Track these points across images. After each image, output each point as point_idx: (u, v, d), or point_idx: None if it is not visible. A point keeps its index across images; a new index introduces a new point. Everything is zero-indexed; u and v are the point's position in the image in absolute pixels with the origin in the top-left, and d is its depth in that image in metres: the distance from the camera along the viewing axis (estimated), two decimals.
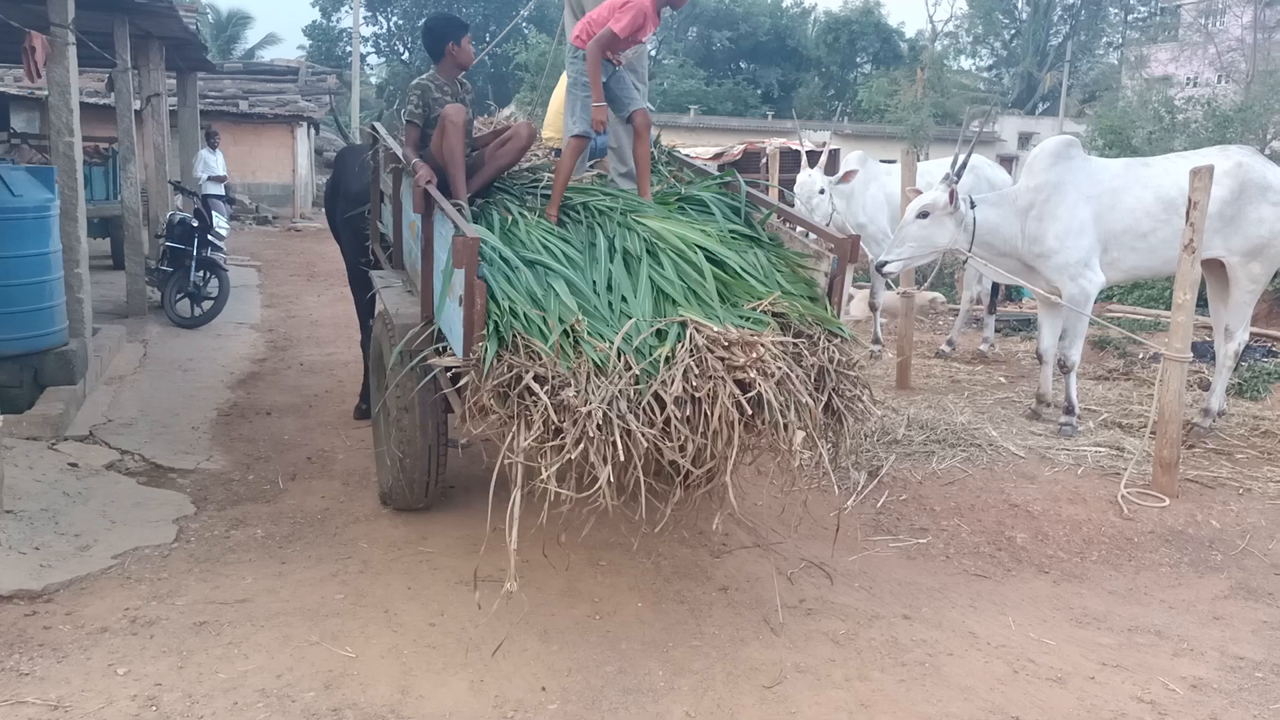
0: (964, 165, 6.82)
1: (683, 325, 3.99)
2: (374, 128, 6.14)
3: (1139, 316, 10.72)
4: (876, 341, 9.59)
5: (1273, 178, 6.80)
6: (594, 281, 4.29)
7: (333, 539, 5.03)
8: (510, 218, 4.68)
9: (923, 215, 6.71)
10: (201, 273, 10.56)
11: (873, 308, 9.91)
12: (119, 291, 10.98)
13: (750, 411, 3.79)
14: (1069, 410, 6.95)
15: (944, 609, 4.56)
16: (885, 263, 6.84)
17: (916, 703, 3.71)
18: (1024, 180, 6.98)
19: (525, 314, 3.96)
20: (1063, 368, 6.99)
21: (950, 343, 9.74)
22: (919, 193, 7.11)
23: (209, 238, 10.64)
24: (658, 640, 4.07)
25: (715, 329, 3.95)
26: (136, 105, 12.17)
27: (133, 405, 7.24)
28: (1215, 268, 6.99)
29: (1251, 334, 9.87)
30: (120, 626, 4.00)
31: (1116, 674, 4.01)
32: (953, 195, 6.60)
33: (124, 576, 4.48)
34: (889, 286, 8.43)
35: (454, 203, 4.52)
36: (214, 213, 10.88)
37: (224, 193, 14.06)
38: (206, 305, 10.58)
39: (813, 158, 10.94)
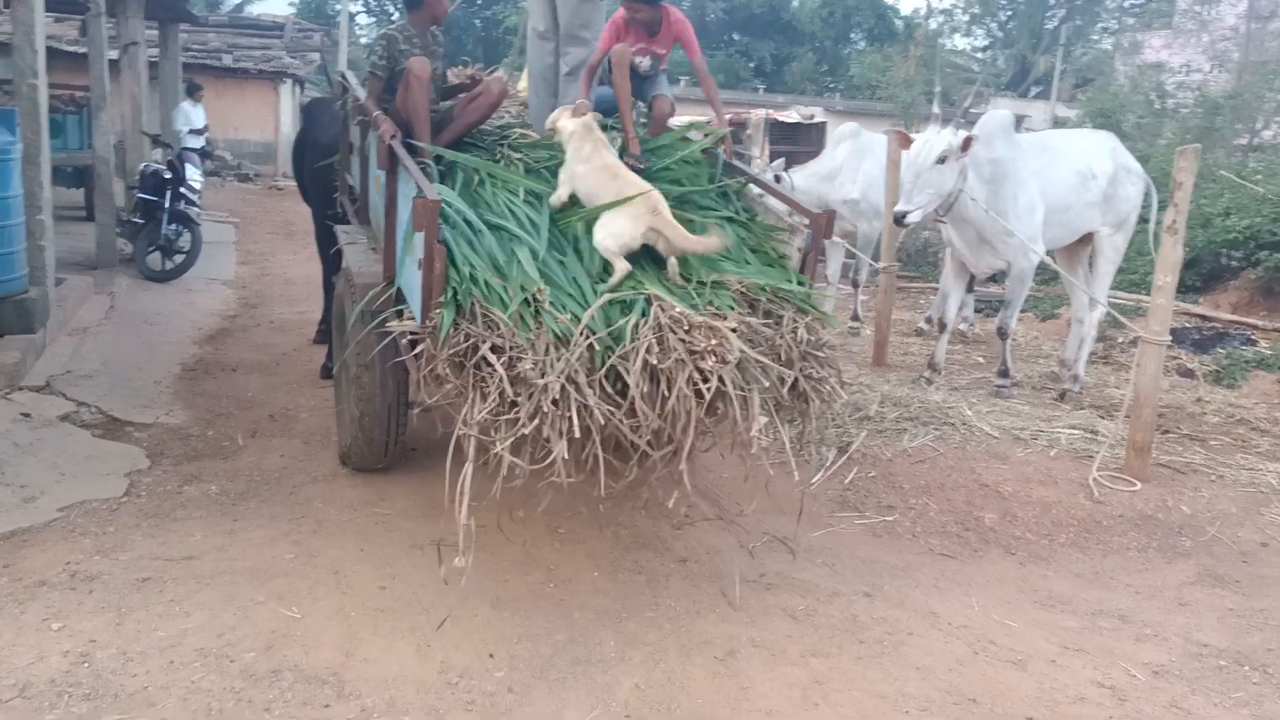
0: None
1: (647, 300, 3.87)
2: (343, 75, 5.96)
3: (1120, 301, 10.65)
4: (856, 318, 9.51)
5: (1132, 160, 7.65)
6: (559, 249, 4.16)
7: (289, 498, 4.92)
8: (477, 177, 4.54)
9: (941, 160, 6.63)
10: (173, 226, 10.31)
11: (855, 284, 9.81)
12: (91, 243, 10.76)
13: (709, 397, 3.67)
14: (1004, 374, 7.31)
15: (907, 588, 4.49)
16: (906, 213, 6.70)
17: (873, 681, 3.64)
18: (982, 151, 6.90)
19: (486, 281, 3.84)
20: (1001, 335, 7.31)
21: (929, 320, 9.65)
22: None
23: (181, 190, 10.39)
24: (612, 610, 3.99)
25: (679, 308, 3.83)
26: (114, 54, 11.89)
27: (94, 357, 7.08)
28: (1078, 243, 7.64)
29: (1230, 321, 9.87)
30: (59, 581, 3.89)
31: (1078, 658, 3.95)
32: (967, 141, 6.58)
33: (68, 530, 4.36)
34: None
35: (419, 160, 4.38)
36: (187, 164, 10.64)
37: (203, 145, 13.82)
38: (178, 259, 10.35)
39: (798, 130, 10.79)
